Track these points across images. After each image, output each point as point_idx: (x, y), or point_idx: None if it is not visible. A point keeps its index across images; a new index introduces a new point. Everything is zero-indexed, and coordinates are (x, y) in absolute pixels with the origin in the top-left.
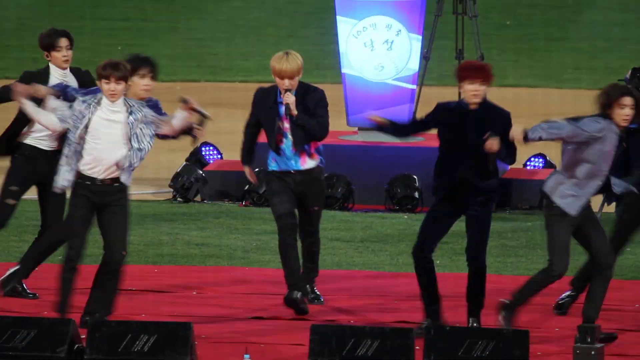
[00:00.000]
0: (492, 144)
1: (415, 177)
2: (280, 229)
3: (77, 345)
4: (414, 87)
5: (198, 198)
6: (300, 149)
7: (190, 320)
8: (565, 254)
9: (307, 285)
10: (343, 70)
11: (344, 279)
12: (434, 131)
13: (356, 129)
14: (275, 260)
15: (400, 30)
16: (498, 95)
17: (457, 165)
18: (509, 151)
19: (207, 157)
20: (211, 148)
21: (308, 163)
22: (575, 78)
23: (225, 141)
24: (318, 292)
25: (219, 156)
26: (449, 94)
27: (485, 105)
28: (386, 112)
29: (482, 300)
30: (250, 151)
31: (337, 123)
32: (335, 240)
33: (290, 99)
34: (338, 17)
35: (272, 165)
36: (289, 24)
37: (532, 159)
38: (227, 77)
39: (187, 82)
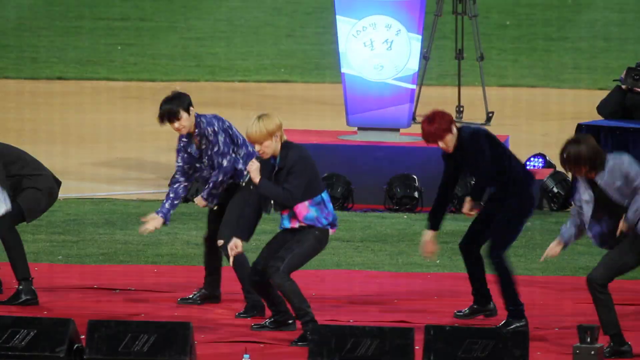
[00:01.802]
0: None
1: (414, 177)
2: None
3: (76, 345)
4: (414, 87)
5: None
6: (287, 210)
7: (190, 321)
8: None
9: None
10: (343, 70)
11: (344, 278)
12: None
13: (356, 128)
14: None
15: (400, 30)
16: (498, 95)
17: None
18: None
19: None
20: None
21: (298, 224)
22: (574, 78)
23: None
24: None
25: None
26: (448, 94)
27: (460, 143)
28: (386, 112)
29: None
30: None
31: (336, 123)
32: (334, 240)
33: (252, 166)
34: (337, 17)
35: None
36: (288, 23)
37: (532, 158)
38: (226, 77)
39: (186, 81)
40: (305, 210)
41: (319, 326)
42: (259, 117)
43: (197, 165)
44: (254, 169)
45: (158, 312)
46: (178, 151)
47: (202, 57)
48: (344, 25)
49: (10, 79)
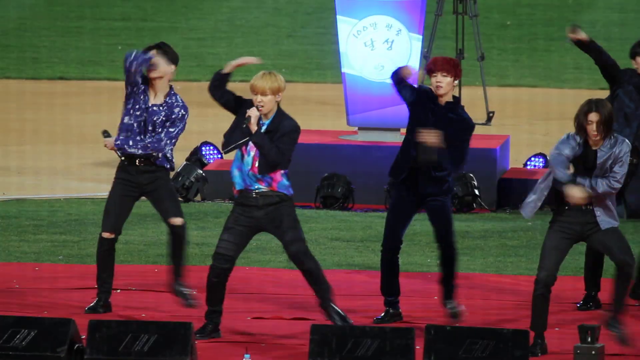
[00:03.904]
0: (427, 136)
1: None
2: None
3: (77, 345)
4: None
5: (198, 198)
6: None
7: (191, 320)
8: None
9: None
10: (343, 70)
11: (344, 278)
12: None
13: (356, 128)
14: (275, 260)
15: (400, 30)
16: (498, 95)
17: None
18: (452, 155)
19: (207, 156)
20: (211, 148)
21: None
22: (575, 78)
23: None
24: None
25: (219, 156)
26: None
27: (453, 104)
28: (386, 112)
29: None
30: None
31: (337, 123)
32: (335, 240)
33: (253, 112)
34: (338, 17)
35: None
36: (289, 23)
37: (532, 158)
38: None
39: (187, 81)
40: (279, 177)
41: (319, 326)
42: (269, 72)
43: (138, 114)
44: (255, 115)
45: (159, 312)
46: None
47: (203, 57)
48: (345, 26)
49: (12, 79)
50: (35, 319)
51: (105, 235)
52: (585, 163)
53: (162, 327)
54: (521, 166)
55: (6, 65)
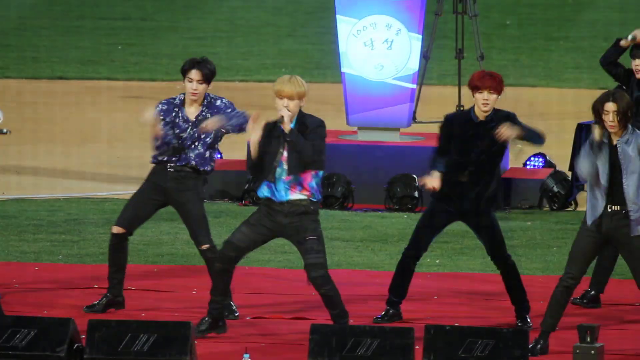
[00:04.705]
0: (503, 132)
1: (415, 176)
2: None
3: (76, 345)
4: (414, 86)
5: None
6: (290, 176)
7: (190, 320)
8: None
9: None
10: (343, 70)
11: (344, 278)
12: (434, 131)
13: (356, 128)
14: (275, 260)
15: (400, 30)
16: None
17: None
18: (530, 133)
19: None
20: None
21: (298, 193)
22: (575, 77)
23: (226, 141)
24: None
25: (219, 155)
26: (449, 94)
27: (493, 114)
28: (386, 111)
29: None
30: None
31: (337, 123)
32: (335, 239)
33: (285, 112)
34: (338, 17)
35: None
36: (289, 23)
37: (532, 158)
38: (227, 77)
39: None
40: (309, 177)
41: (319, 326)
42: (293, 76)
43: (180, 133)
44: (287, 114)
45: (158, 311)
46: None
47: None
48: (345, 25)
49: (11, 79)
50: (35, 319)
51: (114, 229)
52: (612, 161)
53: (162, 326)
54: (521, 166)
55: (6, 65)
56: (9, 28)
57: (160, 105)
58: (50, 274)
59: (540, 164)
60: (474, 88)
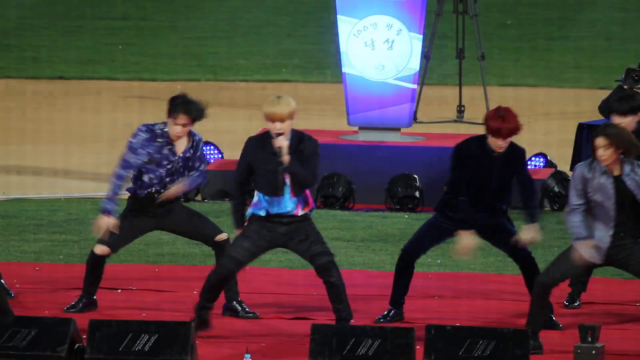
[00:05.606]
0: (524, 241)
1: (415, 176)
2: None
3: (77, 345)
4: (415, 86)
5: (199, 197)
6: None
7: (191, 320)
8: None
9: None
10: (344, 70)
11: (345, 278)
12: (435, 131)
13: (357, 128)
14: (275, 260)
15: (401, 30)
16: (499, 95)
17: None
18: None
19: (208, 156)
20: (212, 147)
21: (302, 210)
22: (576, 77)
23: (226, 140)
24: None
25: (220, 155)
26: (449, 94)
27: (509, 148)
28: (387, 111)
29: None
30: (243, 213)
31: (337, 123)
32: (335, 239)
33: (283, 142)
34: (338, 16)
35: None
36: (290, 23)
37: (533, 158)
38: (227, 77)
39: (187, 81)
40: (308, 190)
41: (320, 326)
42: (281, 96)
43: (167, 165)
44: (285, 145)
45: (159, 311)
46: (140, 147)
47: (203, 57)
48: (345, 25)
49: (12, 79)
50: (36, 319)
51: (99, 249)
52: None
53: (162, 326)
54: None
55: (6, 65)
56: (9, 28)
57: (141, 134)
58: (51, 274)
59: (541, 164)
60: (492, 133)
